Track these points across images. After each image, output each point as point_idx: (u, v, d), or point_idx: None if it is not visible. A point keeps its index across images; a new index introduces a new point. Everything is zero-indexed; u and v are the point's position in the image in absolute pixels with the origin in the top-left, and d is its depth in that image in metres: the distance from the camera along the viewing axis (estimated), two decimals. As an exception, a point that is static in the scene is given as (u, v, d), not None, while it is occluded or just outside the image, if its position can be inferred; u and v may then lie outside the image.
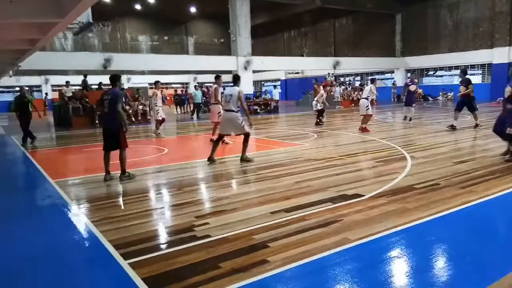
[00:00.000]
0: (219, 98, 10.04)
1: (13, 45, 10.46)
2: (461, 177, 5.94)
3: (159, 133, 12.84)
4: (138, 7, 36.98)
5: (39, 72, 35.17)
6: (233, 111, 7.77)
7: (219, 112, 9.79)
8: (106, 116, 6.64)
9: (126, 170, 6.60)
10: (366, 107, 11.89)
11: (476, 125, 11.43)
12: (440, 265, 3.28)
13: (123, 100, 6.80)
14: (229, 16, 24.28)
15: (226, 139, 10.06)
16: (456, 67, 28.74)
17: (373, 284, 2.95)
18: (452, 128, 11.33)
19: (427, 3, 28.80)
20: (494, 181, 5.69)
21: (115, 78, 6.68)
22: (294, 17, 35.60)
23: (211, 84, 10.91)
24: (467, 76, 11.82)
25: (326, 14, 34.02)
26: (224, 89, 9.27)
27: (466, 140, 9.70)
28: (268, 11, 33.00)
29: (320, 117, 14.77)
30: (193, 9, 38.21)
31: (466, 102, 11.35)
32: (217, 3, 27.12)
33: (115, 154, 6.64)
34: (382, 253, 3.45)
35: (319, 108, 14.61)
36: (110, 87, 6.76)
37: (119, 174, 6.61)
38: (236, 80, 7.97)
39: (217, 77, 10.47)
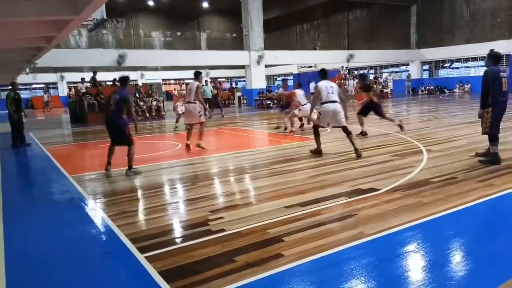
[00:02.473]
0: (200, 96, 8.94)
1: (29, 42, 10.63)
2: (479, 171, 5.83)
3: (176, 127, 13.58)
4: (151, 3, 37.19)
5: (55, 69, 35.77)
6: (336, 101, 7.47)
7: (200, 112, 8.92)
8: (110, 113, 6.88)
9: (133, 166, 6.76)
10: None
11: (401, 126, 10.14)
12: (457, 259, 3.23)
13: (132, 99, 7.25)
14: (242, 11, 24.23)
15: (201, 143, 9.07)
16: (473, 59, 28.17)
17: (389, 279, 2.92)
18: (363, 134, 9.86)
19: (443, -6, 28.29)
20: (513, 174, 5.57)
21: (126, 79, 7.00)
22: (306, 10, 35.32)
23: (191, 81, 9.26)
24: (367, 82, 10.80)
25: (340, 6, 33.66)
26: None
27: (484, 133, 9.50)
28: (281, 4, 32.82)
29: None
30: (205, 4, 38.23)
31: (371, 107, 9.97)
32: (229, -2, 27.10)
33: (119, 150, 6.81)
34: (398, 248, 3.42)
35: None
36: (120, 86, 7.00)
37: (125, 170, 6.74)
38: (323, 74, 7.78)
39: (198, 74, 9.08)
